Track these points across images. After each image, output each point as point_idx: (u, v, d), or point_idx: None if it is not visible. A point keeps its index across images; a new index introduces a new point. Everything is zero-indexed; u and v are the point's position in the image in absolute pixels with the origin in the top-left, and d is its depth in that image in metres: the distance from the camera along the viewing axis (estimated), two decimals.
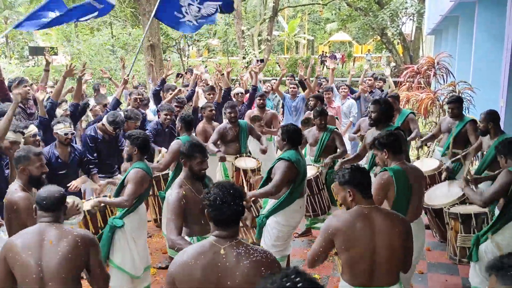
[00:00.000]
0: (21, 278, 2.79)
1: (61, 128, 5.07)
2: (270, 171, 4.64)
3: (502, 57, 6.68)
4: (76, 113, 6.16)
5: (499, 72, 6.78)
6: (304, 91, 8.88)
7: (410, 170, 3.77)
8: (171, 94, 7.44)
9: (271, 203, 4.60)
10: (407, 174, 3.71)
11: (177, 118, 5.76)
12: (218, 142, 6.27)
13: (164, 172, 5.73)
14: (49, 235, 2.84)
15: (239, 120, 6.50)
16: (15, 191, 3.57)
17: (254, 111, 7.56)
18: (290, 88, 8.60)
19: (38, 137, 4.97)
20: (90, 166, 5.48)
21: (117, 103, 6.54)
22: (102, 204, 4.40)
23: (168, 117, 6.47)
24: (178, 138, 5.46)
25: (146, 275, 4.62)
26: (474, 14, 10.53)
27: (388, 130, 4.26)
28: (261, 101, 7.50)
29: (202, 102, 7.53)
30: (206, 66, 11.77)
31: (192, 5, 6.54)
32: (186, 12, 6.52)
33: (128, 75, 7.11)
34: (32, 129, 4.89)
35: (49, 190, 3.00)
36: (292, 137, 4.57)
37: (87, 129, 5.93)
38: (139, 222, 4.52)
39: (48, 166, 3.95)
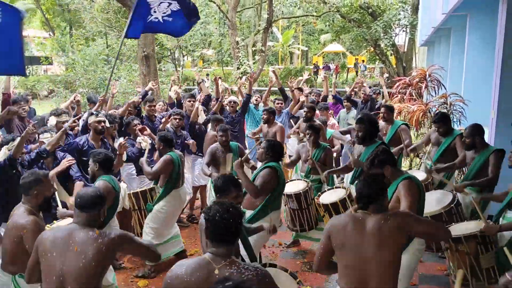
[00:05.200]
0: (45, 275, 2.95)
1: (47, 138, 5.24)
2: (254, 179, 4.76)
3: (493, 69, 6.74)
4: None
5: (491, 84, 6.83)
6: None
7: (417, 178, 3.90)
8: (149, 106, 7.48)
9: (248, 213, 4.63)
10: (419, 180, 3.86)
11: (156, 138, 5.79)
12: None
13: (149, 187, 5.80)
14: (75, 240, 2.93)
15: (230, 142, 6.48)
16: (22, 214, 3.48)
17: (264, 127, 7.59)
18: (276, 104, 8.65)
19: (25, 150, 4.97)
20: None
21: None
22: None
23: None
24: (169, 154, 5.51)
25: None
26: (465, 26, 10.64)
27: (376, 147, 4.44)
28: (265, 116, 7.50)
29: (202, 118, 7.60)
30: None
31: (163, 2, 6.21)
32: (155, 11, 6.18)
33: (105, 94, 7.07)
34: None
35: (86, 189, 3.15)
36: (275, 151, 4.80)
37: (78, 138, 5.92)
38: None
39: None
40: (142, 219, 5.75)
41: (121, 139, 6.15)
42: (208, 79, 10.20)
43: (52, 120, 6.08)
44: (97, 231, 3.01)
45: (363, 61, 35.54)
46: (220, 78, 8.23)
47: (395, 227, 2.89)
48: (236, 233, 2.58)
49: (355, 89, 9.45)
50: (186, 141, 6.89)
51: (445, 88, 9.47)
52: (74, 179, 5.30)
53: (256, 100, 9.15)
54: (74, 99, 7.18)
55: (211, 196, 6.22)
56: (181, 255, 5.83)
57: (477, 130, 5.06)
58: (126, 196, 5.78)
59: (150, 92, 7.97)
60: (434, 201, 4.75)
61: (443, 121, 5.83)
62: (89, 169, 4.67)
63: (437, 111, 8.47)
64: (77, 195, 3.11)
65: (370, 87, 9.76)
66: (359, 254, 2.89)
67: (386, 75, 28.94)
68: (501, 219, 4.17)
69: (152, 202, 5.63)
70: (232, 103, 8.08)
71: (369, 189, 3.00)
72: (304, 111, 7.14)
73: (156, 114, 7.65)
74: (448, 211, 4.56)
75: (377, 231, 2.89)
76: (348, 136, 6.77)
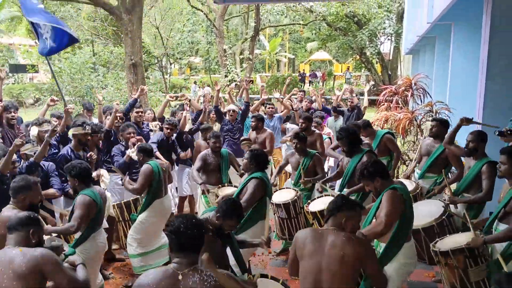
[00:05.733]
0: None
1: (29, 148, 5.22)
2: (240, 192, 4.80)
3: (477, 77, 6.85)
4: None
5: (475, 92, 6.93)
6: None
7: (406, 187, 3.91)
8: (136, 112, 7.44)
9: None
10: (407, 190, 3.86)
11: (136, 149, 5.75)
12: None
13: (133, 197, 5.76)
14: (1, 261, 2.84)
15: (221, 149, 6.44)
16: (9, 209, 3.64)
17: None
18: (268, 108, 8.67)
19: (17, 164, 4.92)
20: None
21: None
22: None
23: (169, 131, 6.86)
24: (148, 163, 5.50)
25: None
26: (450, 35, 10.82)
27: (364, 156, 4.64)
28: (254, 123, 7.54)
29: (187, 127, 7.62)
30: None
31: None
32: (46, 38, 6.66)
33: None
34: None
35: (19, 212, 3.13)
36: (260, 161, 4.85)
37: (63, 149, 5.90)
38: (96, 251, 4.52)
39: None
40: (127, 230, 5.71)
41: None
42: (200, 88, 10.19)
43: (34, 130, 5.99)
44: (20, 249, 2.91)
45: (348, 68, 35.89)
46: (216, 85, 8.29)
47: (356, 253, 2.98)
48: (200, 242, 2.71)
49: (343, 97, 9.49)
50: (179, 154, 7.01)
51: (430, 97, 9.60)
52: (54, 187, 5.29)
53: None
54: (52, 102, 7.04)
55: (201, 205, 6.19)
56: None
57: (483, 137, 5.00)
58: (111, 205, 5.75)
59: (138, 100, 7.90)
60: (425, 213, 4.73)
61: (441, 122, 5.86)
62: (69, 184, 4.62)
63: (423, 119, 8.61)
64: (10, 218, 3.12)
65: (356, 95, 9.87)
66: (316, 264, 3.03)
67: (371, 82, 29.22)
68: (493, 231, 4.18)
69: (137, 212, 5.61)
70: (231, 111, 8.05)
71: (332, 204, 3.18)
72: (300, 122, 7.18)
73: (144, 121, 7.63)
74: (440, 223, 4.57)
75: (336, 246, 3.00)
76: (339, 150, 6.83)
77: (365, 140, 6.39)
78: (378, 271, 3.12)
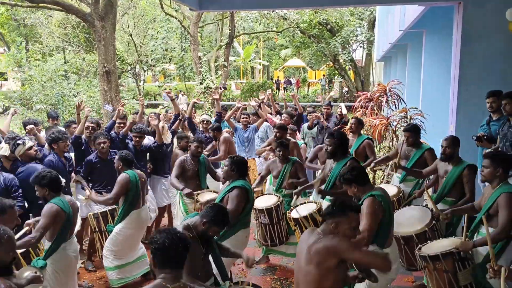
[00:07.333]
0: None
1: None
2: (221, 200, 4.74)
3: (449, 84, 6.99)
4: None
5: (448, 98, 7.07)
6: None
7: (386, 194, 4.00)
8: (119, 123, 7.27)
9: None
10: (386, 197, 3.93)
11: (116, 157, 5.62)
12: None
13: (110, 208, 5.65)
14: None
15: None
16: None
17: None
18: (242, 119, 8.65)
19: None
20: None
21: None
22: None
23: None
24: (125, 172, 5.40)
25: None
26: (422, 43, 11.03)
27: (348, 163, 4.67)
28: (211, 134, 7.65)
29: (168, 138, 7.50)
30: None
31: None
32: None
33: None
34: None
35: None
36: (240, 168, 4.81)
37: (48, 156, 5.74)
38: (67, 262, 4.44)
39: None
40: (103, 241, 5.58)
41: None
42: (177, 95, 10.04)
43: (7, 150, 5.67)
44: None
45: (324, 75, 36.21)
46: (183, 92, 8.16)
47: (322, 248, 3.06)
48: (185, 257, 2.69)
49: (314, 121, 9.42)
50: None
51: (404, 103, 9.75)
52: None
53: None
54: (16, 113, 6.85)
55: (179, 213, 6.10)
56: (148, 275, 5.71)
57: (458, 142, 5.08)
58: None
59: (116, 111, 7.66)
60: (414, 219, 4.76)
61: (414, 131, 5.93)
62: (37, 194, 4.44)
63: (398, 124, 8.73)
64: None
65: (329, 103, 9.91)
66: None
67: (345, 89, 29.65)
68: (476, 234, 4.24)
69: (114, 223, 5.50)
70: (205, 121, 7.97)
71: (325, 209, 3.25)
72: (274, 131, 7.17)
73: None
74: (431, 228, 4.62)
75: (309, 246, 3.13)
76: (318, 164, 6.85)
77: None
78: (364, 255, 3.16)
